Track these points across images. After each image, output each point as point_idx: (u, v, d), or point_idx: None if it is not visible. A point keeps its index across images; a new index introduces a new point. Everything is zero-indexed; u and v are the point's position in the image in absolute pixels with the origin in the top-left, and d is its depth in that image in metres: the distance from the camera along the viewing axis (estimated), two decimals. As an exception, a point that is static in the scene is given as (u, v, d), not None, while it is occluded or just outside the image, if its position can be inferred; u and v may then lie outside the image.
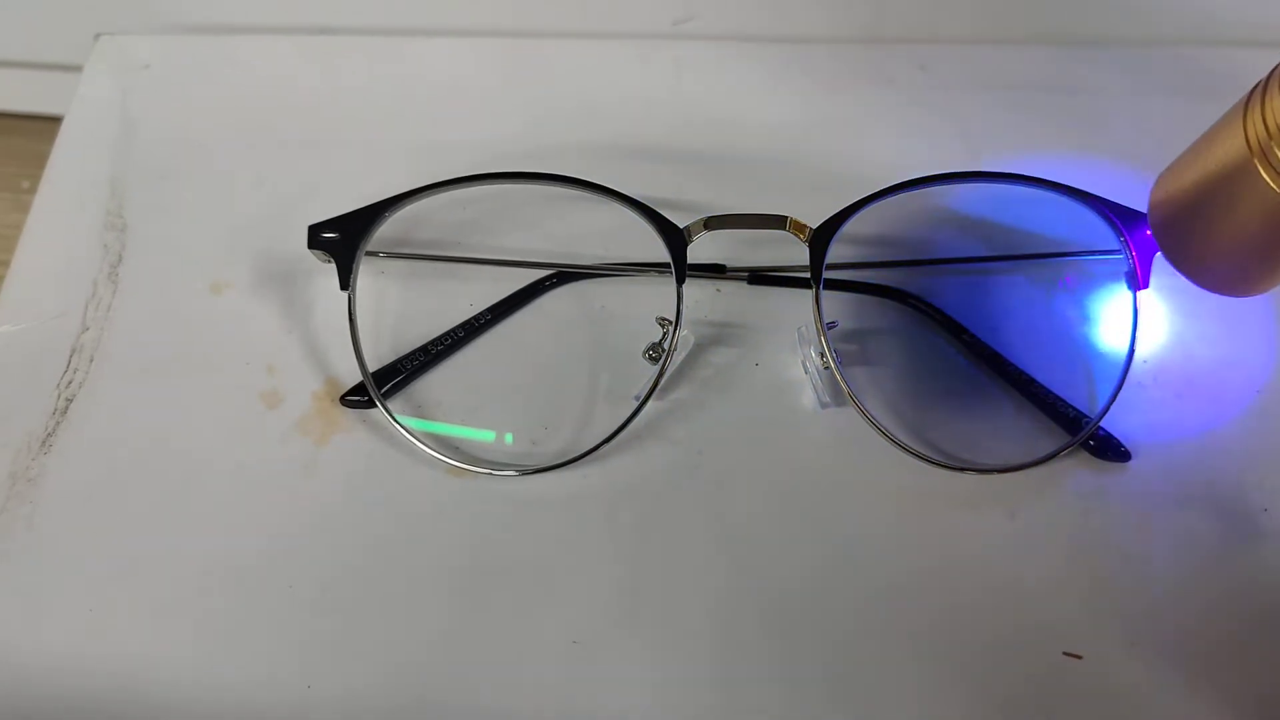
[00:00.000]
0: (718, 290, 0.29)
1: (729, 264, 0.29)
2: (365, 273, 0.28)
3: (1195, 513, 0.26)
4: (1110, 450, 0.26)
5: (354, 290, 0.27)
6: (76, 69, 0.34)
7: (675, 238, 0.26)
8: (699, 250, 0.27)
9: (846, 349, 0.28)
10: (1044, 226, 0.29)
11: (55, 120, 0.33)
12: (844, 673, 0.24)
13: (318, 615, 0.25)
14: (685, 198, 0.30)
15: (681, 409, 0.27)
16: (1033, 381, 0.27)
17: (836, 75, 0.33)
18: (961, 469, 0.26)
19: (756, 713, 0.24)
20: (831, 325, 0.26)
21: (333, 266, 0.27)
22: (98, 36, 0.34)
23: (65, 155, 0.32)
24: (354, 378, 0.27)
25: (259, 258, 0.29)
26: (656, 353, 0.27)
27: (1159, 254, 0.25)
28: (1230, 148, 0.21)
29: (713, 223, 0.26)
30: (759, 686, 0.24)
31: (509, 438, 0.27)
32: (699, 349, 0.28)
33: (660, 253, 0.27)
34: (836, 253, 0.26)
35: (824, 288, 0.26)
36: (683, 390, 0.27)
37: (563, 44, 0.34)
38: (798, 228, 0.26)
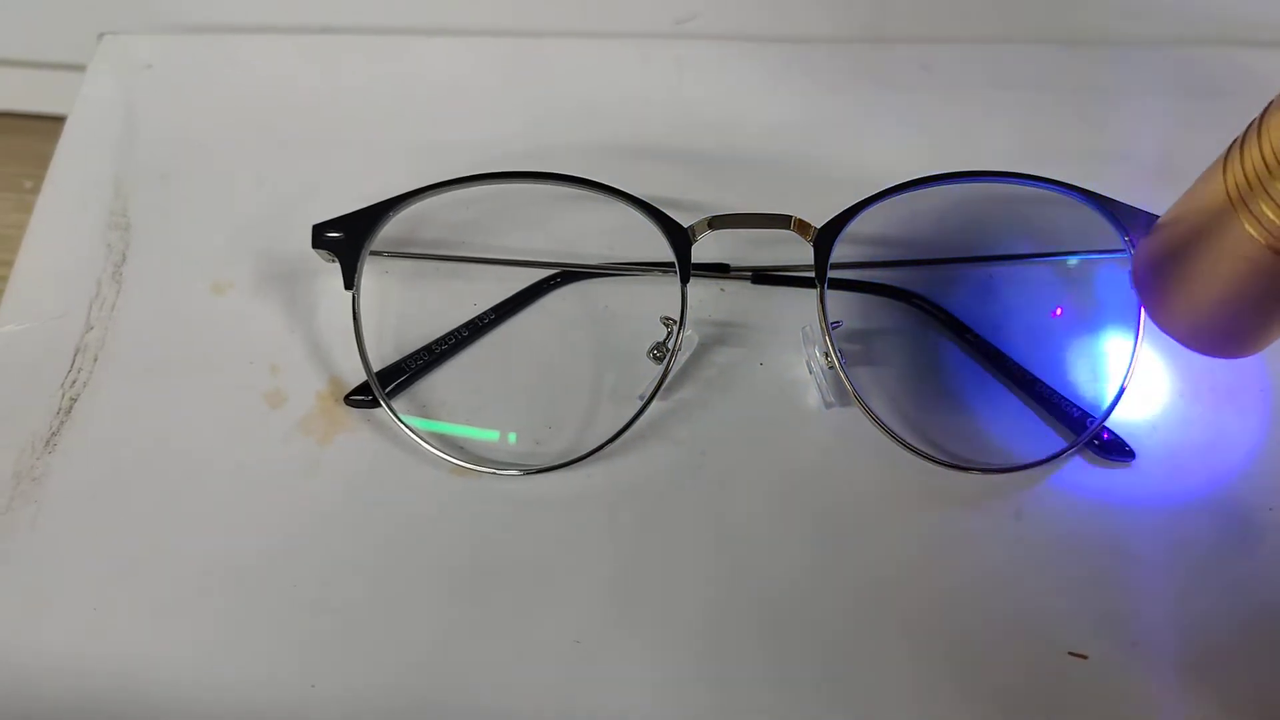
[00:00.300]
0: (721, 290, 0.29)
1: (732, 263, 0.29)
2: (369, 272, 0.28)
3: (1199, 512, 0.26)
4: (1114, 450, 0.26)
5: (358, 290, 0.27)
6: (79, 69, 0.33)
7: (679, 237, 0.26)
8: (702, 250, 0.27)
9: (851, 349, 0.28)
10: (1048, 226, 0.29)
11: (57, 120, 0.33)
12: (846, 673, 0.24)
13: (320, 615, 0.25)
14: (688, 197, 0.30)
15: (685, 409, 0.27)
16: (1037, 381, 0.27)
17: (839, 74, 0.33)
18: (966, 469, 0.26)
19: (758, 713, 0.24)
20: (836, 325, 0.26)
21: (336, 266, 0.27)
22: (101, 36, 0.34)
23: (69, 155, 0.32)
24: (357, 377, 0.27)
25: (262, 257, 0.29)
26: (661, 352, 0.27)
27: None
28: (1211, 200, 0.21)
29: (717, 222, 0.26)
30: (761, 687, 0.24)
31: (512, 437, 0.27)
32: (703, 349, 0.28)
33: (664, 252, 0.27)
34: (840, 252, 0.26)
35: (828, 287, 0.26)
36: (686, 390, 0.27)
37: (564, 43, 0.34)
38: (802, 227, 0.26)
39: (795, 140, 0.31)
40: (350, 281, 0.27)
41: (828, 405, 0.27)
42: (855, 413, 0.26)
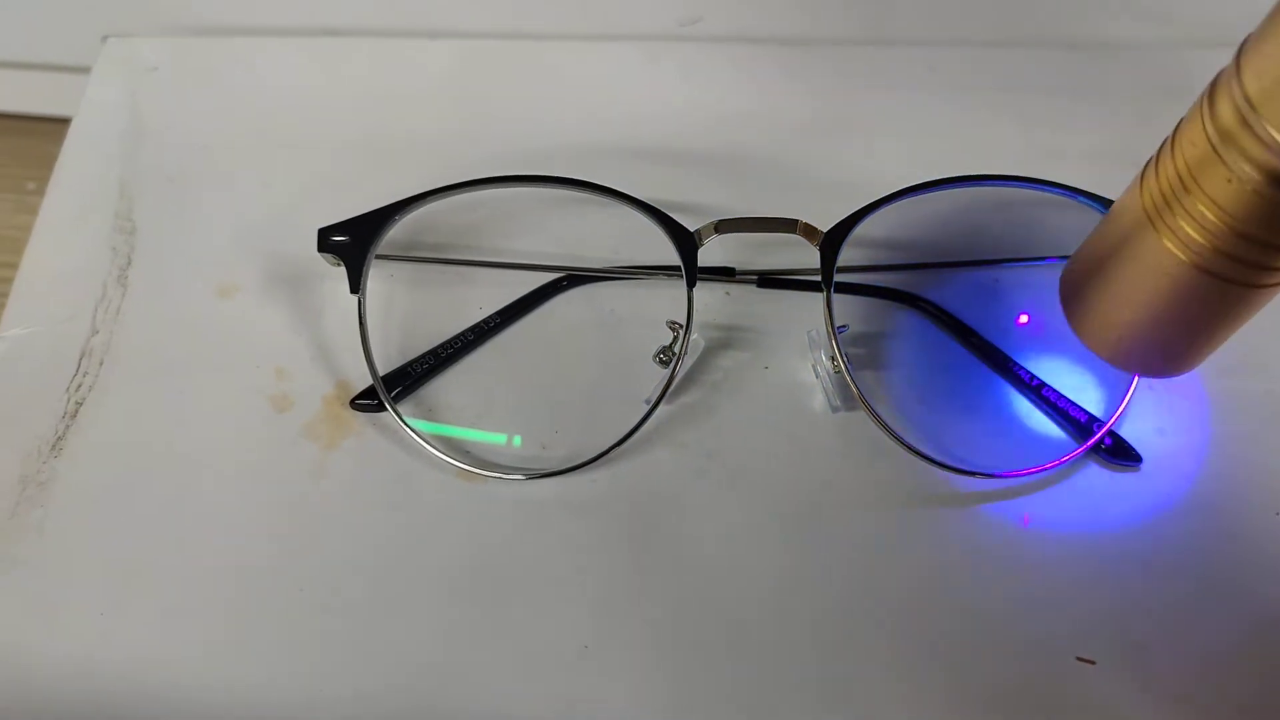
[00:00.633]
0: (727, 293, 0.29)
1: (737, 267, 0.29)
2: (374, 276, 0.28)
3: (1206, 516, 0.26)
4: (1122, 454, 0.26)
5: (364, 294, 0.27)
6: (82, 71, 0.33)
7: (686, 241, 0.26)
8: (707, 253, 0.27)
9: (856, 352, 0.28)
10: (1054, 229, 0.29)
11: (59, 122, 0.33)
12: (851, 674, 0.24)
13: (327, 618, 0.25)
14: (692, 200, 0.30)
15: (691, 413, 0.27)
16: (1043, 385, 0.27)
17: (845, 77, 0.33)
18: (973, 473, 0.26)
19: (765, 714, 0.24)
20: (842, 329, 0.26)
21: (342, 270, 0.27)
22: (105, 38, 0.34)
23: (74, 157, 0.31)
24: (363, 381, 0.27)
25: (268, 260, 0.29)
26: (667, 356, 0.27)
27: None
28: (1131, 219, 0.21)
29: (724, 226, 0.26)
30: (766, 689, 0.24)
31: (518, 441, 0.27)
32: (708, 352, 0.28)
33: (669, 256, 0.27)
34: (845, 255, 0.26)
35: (834, 291, 0.26)
36: (692, 394, 0.27)
37: (568, 46, 0.33)
38: (808, 231, 0.26)
39: (801, 142, 0.31)
40: (356, 285, 0.27)
41: (834, 409, 0.27)
42: (861, 417, 0.26)
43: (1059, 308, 0.28)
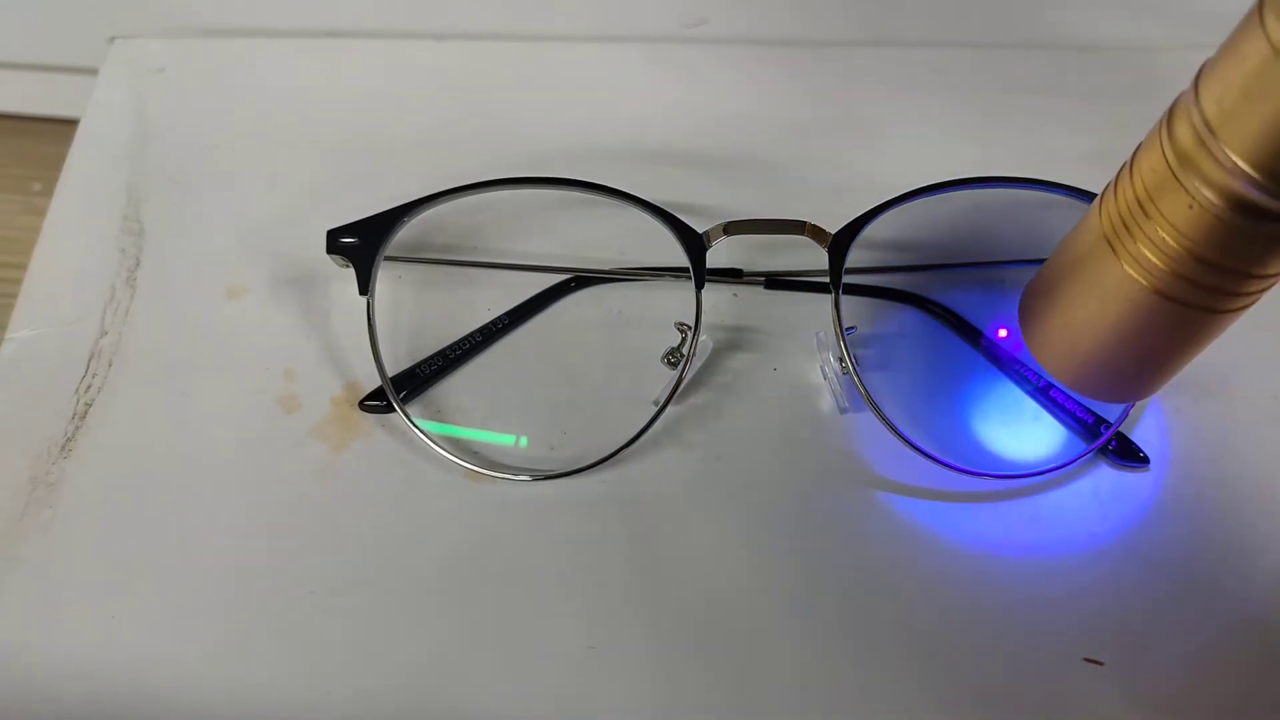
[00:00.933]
0: (734, 295, 0.29)
1: (745, 268, 0.29)
2: (383, 278, 0.28)
3: (1213, 517, 0.26)
4: (1129, 455, 0.26)
5: (373, 295, 0.27)
6: (89, 72, 0.33)
7: (694, 243, 0.26)
8: (715, 255, 0.27)
9: (865, 354, 0.28)
10: (1062, 231, 0.29)
11: (65, 123, 0.33)
12: (860, 677, 0.24)
13: (335, 619, 0.25)
14: (699, 202, 0.30)
15: (699, 414, 0.27)
16: (1050, 386, 0.27)
17: (848, 79, 0.33)
18: (980, 474, 0.26)
19: (771, 717, 0.24)
20: (850, 330, 0.26)
21: (349, 271, 0.27)
22: (112, 40, 0.34)
23: (81, 159, 0.31)
24: (372, 382, 0.27)
25: (276, 262, 0.29)
26: (675, 358, 0.27)
27: None
28: (1090, 244, 0.21)
29: (732, 228, 0.26)
30: (773, 690, 0.24)
31: (526, 442, 0.27)
32: (716, 354, 0.28)
33: (677, 257, 0.27)
34: (853, 257, 0.26)
35: (842, 292, 0.26)
36: (700, 395, 0.27)
37: (575, 48, 0.34)
38: (816, 233, 0.26)
39: (806, 144, 0.32)
40: (365, 287, 0.27)
41: (842, 410, 0.27)
42: (869, 418, 0.26)
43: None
